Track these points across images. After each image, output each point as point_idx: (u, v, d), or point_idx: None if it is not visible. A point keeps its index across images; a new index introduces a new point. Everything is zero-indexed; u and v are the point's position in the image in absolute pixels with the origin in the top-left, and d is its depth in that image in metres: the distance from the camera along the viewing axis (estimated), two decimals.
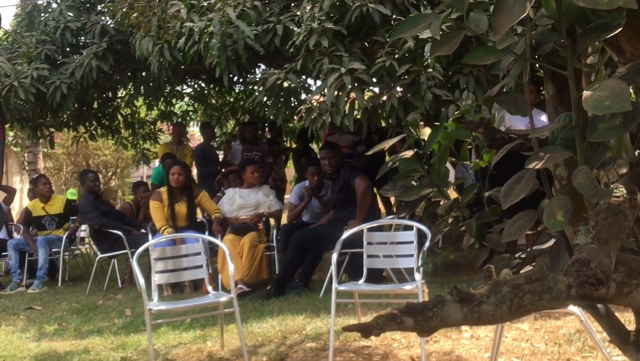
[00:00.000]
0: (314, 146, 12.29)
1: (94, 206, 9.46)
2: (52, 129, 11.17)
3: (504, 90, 1.71)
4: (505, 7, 1.28)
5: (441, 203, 2.31)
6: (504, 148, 1.65)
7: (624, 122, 1.34)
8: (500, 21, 1.28)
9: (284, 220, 9.26)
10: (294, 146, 13.64)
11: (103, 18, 9.40)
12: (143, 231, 9.33)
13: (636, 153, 1.61)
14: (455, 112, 2.25)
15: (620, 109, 1.20)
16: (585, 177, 1.30)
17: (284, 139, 12.87)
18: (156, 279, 5.63)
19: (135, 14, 6.19)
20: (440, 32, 1.47)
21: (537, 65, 1.76)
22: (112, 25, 9.18)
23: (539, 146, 1.53)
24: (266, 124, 12.16)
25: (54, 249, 9.94)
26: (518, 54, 1.50)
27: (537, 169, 1.39)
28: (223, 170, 10.79)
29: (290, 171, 14.71)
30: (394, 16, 6.87)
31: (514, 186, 1.43)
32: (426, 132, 2.25)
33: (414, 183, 2.26)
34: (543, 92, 4.24)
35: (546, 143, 1.50)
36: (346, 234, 5.81)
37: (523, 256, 2.12)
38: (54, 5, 9.99)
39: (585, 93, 1.26)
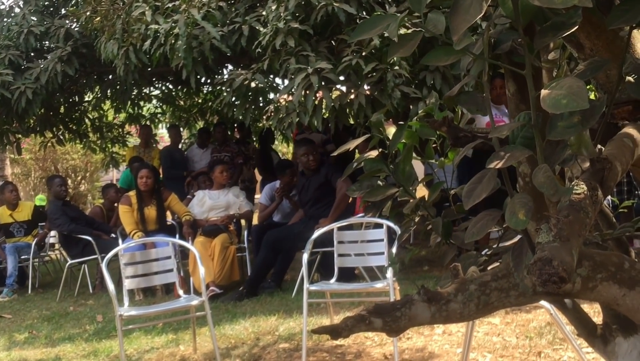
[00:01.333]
0: (286, 147, 12.32)
1: (62, 211, 9.36)
2: (19, 135, 11.05)
3: (465, 89, 1.71)
4: (462, 8, 1.28)
5: (411, 201, 2.31)
6: (466, 147, 1.65)
7: (582, 120, 1.35)
8: (457, 22, 1.28)
9: (255, 221, 9.24)
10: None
11: (67, 22, 9.30)
12: (113, 235, 9.25)
13: (597, 149, 1.63)
14: (419, 111, 2.25)
15: (577, 107, 1.21)
16: (545, 176, 1.30)
17: (253, 139, 12.87)
18: (126, 284, 5.59)
19: (98, 18, 6.13)
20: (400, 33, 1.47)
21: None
22: (76, 29, 9.09)
23: (499, 145, 1.53)
24: (235, 125, 12.14)
25: (23, 257, 9.83)
26: (476, 54, 1.50)
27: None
28: (191, 172, 10.75)
29: None
30: (359, 15, 6.87)
31: (476, 186, 1.43)
32: (391, 131, 2.24)
33: (380, 182, 2.25)
34: None
35: (507, 142, 1.50)
36: (317, 233, 5.81)
37: (489, 253, 2.12)
38: (17, 10, 9.87)
39: (543, 92, 1.27)
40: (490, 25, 1.48)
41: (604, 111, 1.58)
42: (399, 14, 1.43)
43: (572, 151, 1.53)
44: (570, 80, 1.27)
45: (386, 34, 1.45)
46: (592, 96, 1.69)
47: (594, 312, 3.95)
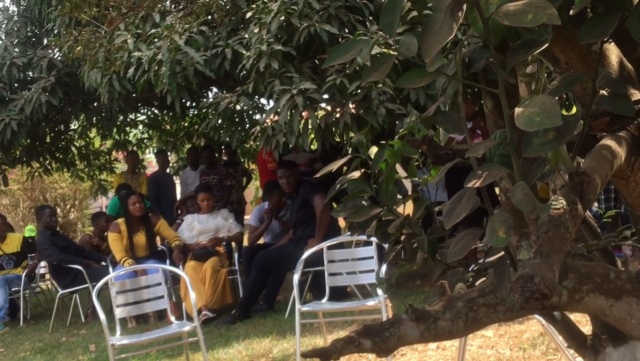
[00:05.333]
0: None
1: (52, 241, 9.31)
2: (5, 166, 11.02)
3: (441, 109, 1.72)
4: (433, 30, 1.29)
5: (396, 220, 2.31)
6: (445, 166, 1.66)
7: (557, 136, 1.36)
8: (429, 44, 1.29)
9: (246, 242, 9.22)
10: (252, 167, 13.63)
11: (49, 52, 9.31)
12: (103, 263, 9.21)
13: (575, 162, 1.64)
14: (400, 130, 2.26)
15: (551, 124, 1.22)
16: (523, 194, 1.31)
17: (242, 160, 12.87)
18: (118, 313, 5.57)
19: (79, 47, 6.15)
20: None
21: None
22: (59, 59, 9.10)
23: (477, 163, 1.54)
24: (222, 147, 12.13)
25: (13, 289, 9.75)
26: (450, 75, 1.52)
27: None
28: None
29: (249, 192, 14.58)
30: (341, 34, 6.90)
31: (455, 206, 1.43)
32: (373, 150, 2.25)
33: (364, 202, 2.26)
34: None
35: (485, 160, 1.51)
36: (307, 253, 5.81)
37: (476, 268, 2.13)
38: None
39: (517, 110, 1.28)
40: (461, 46, 1.49)
41: (581, 124, 1.59)
42: (372, 38, 1.44)
43: (550, 166, 1.54)
44: (543, 97, 1.28)
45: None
46: (573, 110, 1.71)
47: (586, 321, 3.96)
